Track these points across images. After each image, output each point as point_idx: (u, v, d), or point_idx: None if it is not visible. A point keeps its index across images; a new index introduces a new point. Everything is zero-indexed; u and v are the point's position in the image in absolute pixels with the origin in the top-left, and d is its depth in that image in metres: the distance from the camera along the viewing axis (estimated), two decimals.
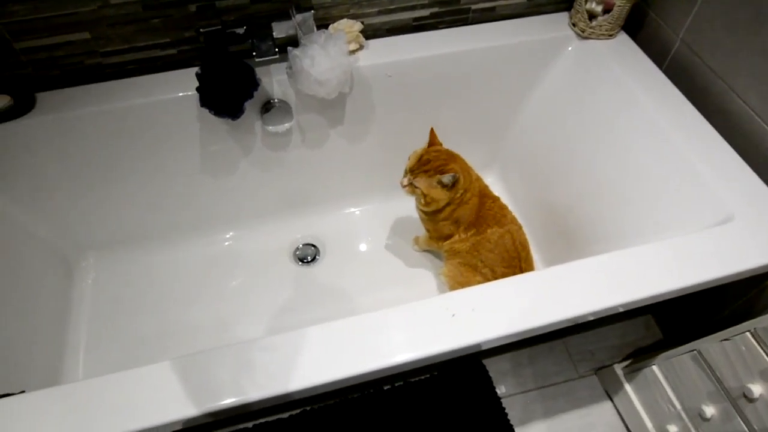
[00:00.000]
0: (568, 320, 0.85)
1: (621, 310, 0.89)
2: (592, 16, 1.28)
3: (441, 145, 1.19)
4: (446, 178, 1.10)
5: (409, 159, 1.17)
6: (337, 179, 1.49)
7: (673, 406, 1.12)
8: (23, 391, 0.86)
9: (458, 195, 1.15)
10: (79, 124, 1.17)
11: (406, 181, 1.16)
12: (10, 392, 0.83)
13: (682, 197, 1.07)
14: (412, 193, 1.16)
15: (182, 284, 1.41)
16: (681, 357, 1.07)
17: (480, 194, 1.21)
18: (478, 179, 1.22)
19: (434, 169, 1.12)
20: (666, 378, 1.14)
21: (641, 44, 1.29)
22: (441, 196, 1.14)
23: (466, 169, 1.18)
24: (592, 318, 0.88)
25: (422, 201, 1.17)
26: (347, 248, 1.49)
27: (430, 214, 1.21)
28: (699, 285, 0.89)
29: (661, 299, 0.90)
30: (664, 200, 1.10)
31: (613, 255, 0.91)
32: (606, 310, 0.87)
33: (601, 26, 1.27)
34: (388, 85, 1.31)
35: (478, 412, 1.31)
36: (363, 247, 1.50)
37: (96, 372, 1.25)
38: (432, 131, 1.18)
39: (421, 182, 1.13)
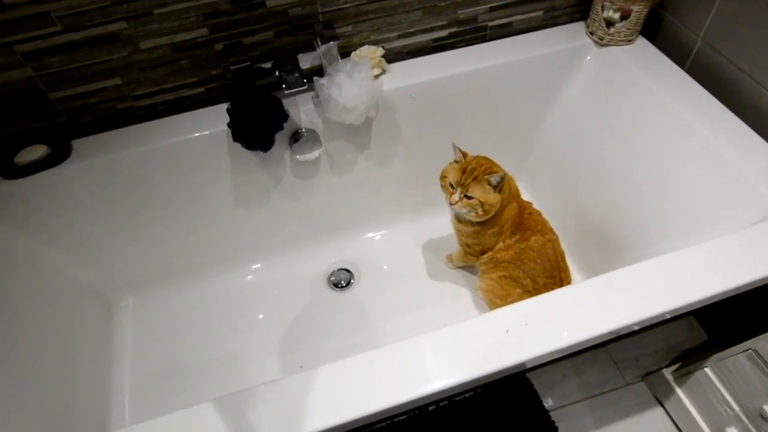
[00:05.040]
0: (619, 330, 0.84)
1: (668, 316, 0.88)
2: (609, 23, 1.28)
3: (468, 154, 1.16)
4: (494, 179, 1.07)
5: (445, 177, 1.14)
6: (366, 203, 1.49)
7: (731, 408, 1.09)
8: None
9: (504, 197, 1.13)
10: (113, 167, 1.19)
11: (457, 196, 1.11)
12: None
13: (720, 195, 1.05)
14: (466, 206, 1.11)
15: (219, 317, 1.41)
16: (736, 357, 1.05)
17: (515, 197, 1.20)
18: (511, 179, 1.19)
19: (482, 173, 1.10)
20: (721, 379, 1.12)
21: (661, 47, 1.30)
22: (495, 200, 1.10)
23: (502, 170, 1.15)
24: (637, 327, 0.87)
25: (479, 211, 1.11)
26: (381, 270, 1.49)
27: (482, 225, 1.17)
28: (748, 285, 0.88)
29: (710, 302, 0.88)
30: (702, 200, 1.09)
31: (657, 261, 0.90)
32: (653, 318, 0.85)
33: (619, 33, 1.28)
34: (412, 107, 1.32)
35: (528, 427, 1.29)
36: (397, 268, 1.49)
37: (142, 412, 1.25)
38: (455, 146, 1.16)
39: (477, 190, 1.09)
